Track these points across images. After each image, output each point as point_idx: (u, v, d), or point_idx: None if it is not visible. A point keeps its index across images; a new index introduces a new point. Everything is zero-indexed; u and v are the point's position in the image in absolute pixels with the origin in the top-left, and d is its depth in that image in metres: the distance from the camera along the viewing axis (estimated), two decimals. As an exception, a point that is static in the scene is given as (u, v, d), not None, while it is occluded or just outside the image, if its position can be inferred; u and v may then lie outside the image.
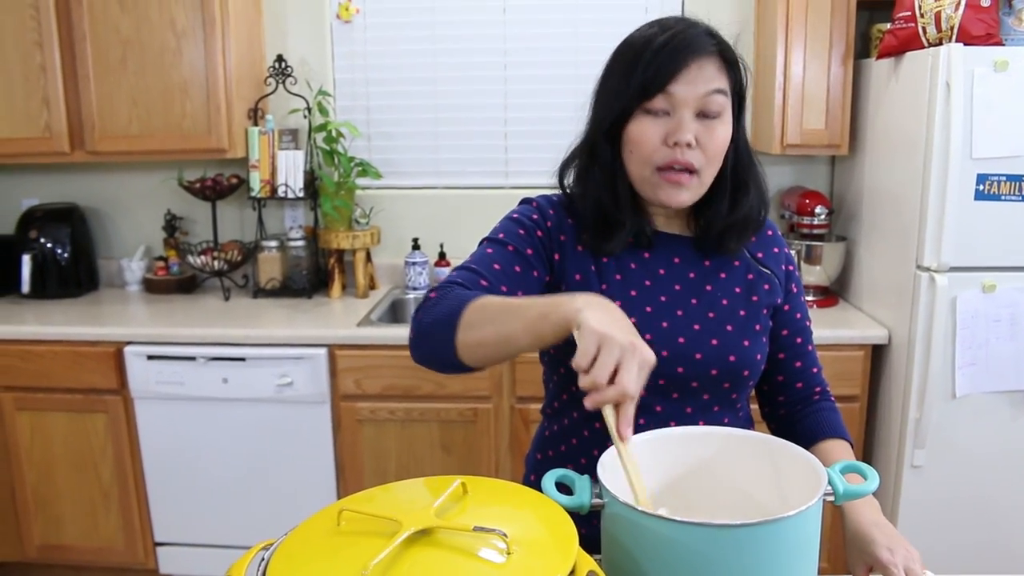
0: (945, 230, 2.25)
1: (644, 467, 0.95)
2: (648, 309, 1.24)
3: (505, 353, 1.06)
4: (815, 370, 1.35)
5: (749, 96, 1.27)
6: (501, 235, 1.26)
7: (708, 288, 1.27)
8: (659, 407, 1.24)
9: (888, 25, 2.46)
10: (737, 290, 1.28)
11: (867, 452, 2.64)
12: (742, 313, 1.27)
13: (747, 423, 1.36)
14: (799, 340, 1.34)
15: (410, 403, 2.59)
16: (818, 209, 2.80)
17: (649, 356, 0.91)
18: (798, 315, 1.35)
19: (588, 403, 0.91)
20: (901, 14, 2.37)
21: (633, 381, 0.89)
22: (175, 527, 2.77)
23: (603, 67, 1.24)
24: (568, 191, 1.31)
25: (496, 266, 1.21)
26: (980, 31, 2.22)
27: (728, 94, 1.18)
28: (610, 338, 0.89)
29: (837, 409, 1.35)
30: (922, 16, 2.30)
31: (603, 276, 1.25)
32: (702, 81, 1.14)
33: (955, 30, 2.24)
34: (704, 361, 1.23)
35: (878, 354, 2.55)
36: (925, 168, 2.27)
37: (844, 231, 2.91)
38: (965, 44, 2.19)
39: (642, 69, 1.14)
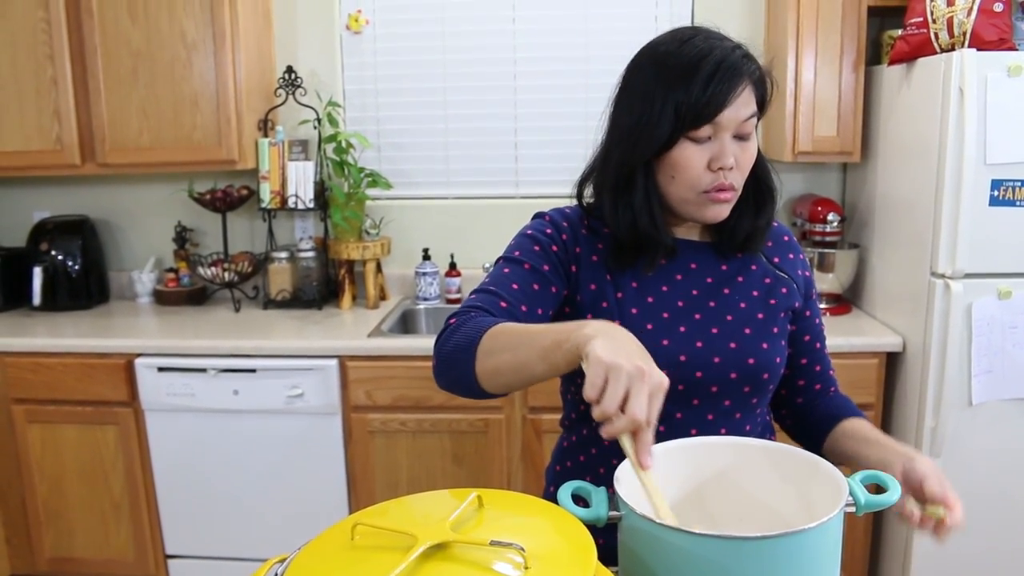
0: (960, 236, 2.23)
1: (661, 478, 0.94)
2: (665, 315, 1.23)
3: (523, 380, 1.06)
4: (831, 372, 1.40)
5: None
6: (517, 253, 1.26)
7: (726, 291, 1.27)
8: (679, 414, 1.23)
9: (899, 31, 2.45)
10: (755, 293, 1.28)
11: (882, 461, 2.61)
12: (760, 316, 1.26)
13: (767, 430, 1.35)
14: (818, 345, 1.37)
15: (421, 414, 2.58)
16: (830, 216, 2.79)
17: (661, 380, 0.90)
18: (817, 320, 1.37)
19: (603, 434, 0.90)
20: (913, 20, 2.36)
21: (643, 408, 0.87)
22: (186, 539, 2.76)
23: (629, 79, 1.22)
24: (586, 205, 1.30)
25: (514, 286, 1.21)
26: (993, 36, 2.20)
27: (757, 114, 1.19)
28: (617, 367, 0.88)
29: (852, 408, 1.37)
30: (934, 22, 2.29)
31: (619, 285, 1.24)
32: (743, 106, 1.15)
33: (968, 35, 2.23)
34: (722, 365, 1.22)
35: (893, 362, 2.53)
36: (939, 174, 2.26)
37: (857, 238, 2.89)
38: (978, 49, 2.17)
39: (694, 97, 1.13)
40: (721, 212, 1.20)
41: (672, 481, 1.03)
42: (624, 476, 0.94)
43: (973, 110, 2.16)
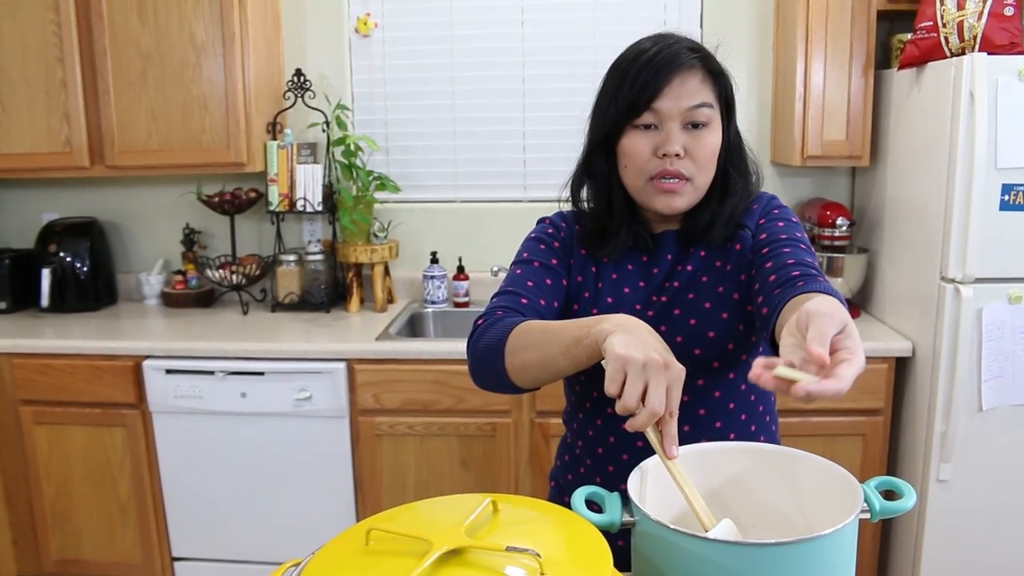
0: (970, 241, 2.22)
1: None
2: (637, 306, 1.30)
3: (550, 374, 1.11)
4: (791, 261, 1.18)
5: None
6: (525, 255, 1.35)
7: (689, 268, 1.30)
8: None
9: (909, 35, 2.45)
10: (717, 264, 1.30)
11: (892, 466, 2.61)
12: (720, 289, 1.29)
13: (766, 419, 1.36)
14: (765, 251, 1.23)
15: (429, 418, 2.58)
16: (839, 221, 2.78)
17: (678, 369, 0.94)
18: (763, 235, 1.26)
19: (628, 427, 0.93)
20: (923, 24, 2.35)
21: (661, 400, 0.91)
22: (193, 542, 2.75)
23: (600, 83, 1.32)
24: (577, 205, 1.39)
25: (529, 283, 1.29)
26: (1004, 40, 2.20)
27: (715, 105, 1.24)
28: (633, 360, 0.92)
29: (824, 284, 1.11)
30: (944, 26, 2.28)
31: (600, 276, 1.33)
32: (685, 95, 1.20)
33: (978, 39, 2.22)
34: (685, 343, 1.26)
35: (902, 367, 2.52)
36: (949, 178, 2.25)
37: (866, 243, 2.88)
38: (988, 53, 2.16)
39: (628, 87, 1.22)
40: (671, 202, 1.24)
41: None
42: (637, 481, 0.94)
43: (983, 114, 2.15)
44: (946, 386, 2.31)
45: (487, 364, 1.17)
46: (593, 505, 0.93)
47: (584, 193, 1.36)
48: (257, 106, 2.86)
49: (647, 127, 1.22)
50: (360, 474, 2.64)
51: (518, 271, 1.32)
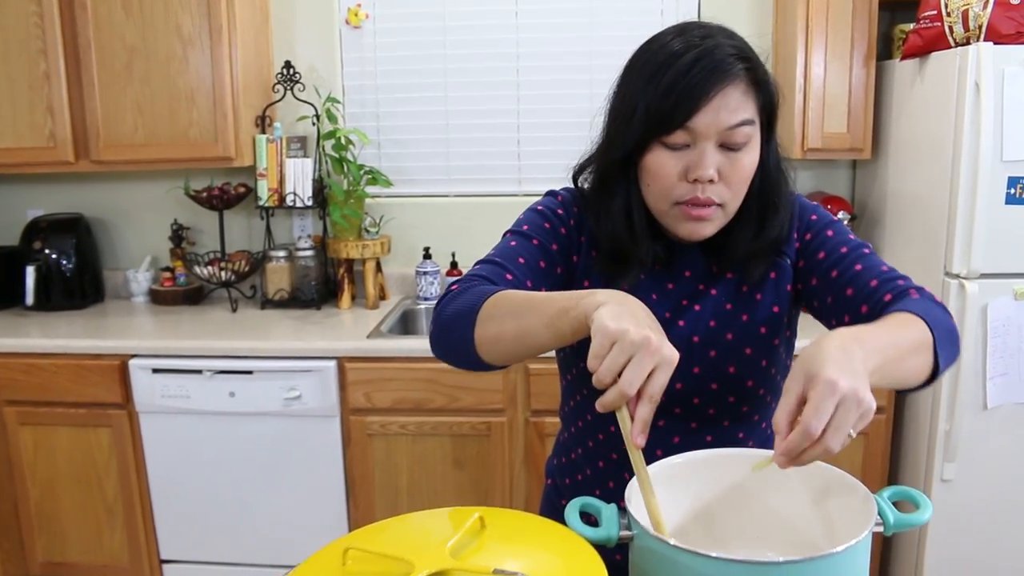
0: (975, 235, 2.17)
1: (675, 489, 0.88)
2: None
3: (524, 349, 0.99)
4: (874, 283, 1.10)
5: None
6: (526, 227, 1.19)
7: (713, 292, 1.18)
8: (661, 421, 1.17)
9: (912, 25, 2.39)
10: (743, 290, 1.18)
11: (895, 465, 2.56)
12: (744, 318, 1.17)
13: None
14: (835, 274, 1.13)
15: (421, 417, 2.52)
16: (840, 215, 2.73)
17: (669, 354, 0.83)
18: (821, 255, 1.16)
19: (597, 406, 0.84)
20: (926, 13, 2.29)
21: (636, 378, 0.81)
22: (181, 544, 2.70)
23: (619, 75, 1.13)
24: (583, 192, 1.22)
25: (521, 260, 1.14)
26: (1010, 29, 2.14)
27: (756, 121, 1.07)
28: (622, 334, 0.82)
29: (920, 298, 1.06)
30: (949, 15, 2.23)
31: (611, 285, 1.17)
32: (726, 112, 1.03)
33: (983, 29, 2.17)
34: (702, 375, 1.16)
35: (904, 364, 2.47)
36: (953, 172, 2.20)
37: (867, 237, 2.83)
38: (994, 43, 2.11)
39: (660, 99, 1.03)
40: (698, 230, 1.09)
41: (682, 497, 0.97)
42: (636, 492, 0.88)
43: (989, 105, 2.10)
44: (950, 384, 2.27)
45: (452, 331, 1.03)
46: (589, 517, 0.88)
47: (586, 183, 1.21)
48: (245, 99, 2.80)
49: (677, 147, 1.05)
50: (351, 475, 2.59)
51: (513, 243, 1.16)
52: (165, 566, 2.73)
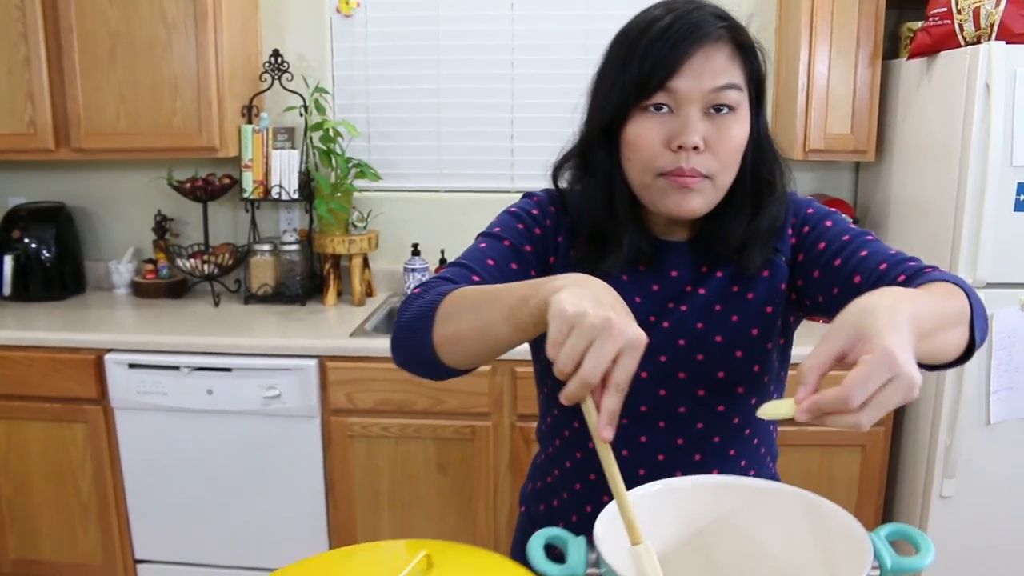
0: (982, 243, 2.09)
1: (660, 517, 0.80)
2: None
3: (485, 347, 0.91)
4: (883, 266, 1.01)
5: (769, 88, 1.09)
6: (497, 229, 1.12)
7: (701, 292, 1.09)
8: (644, 437, 1.09)
9: (920, 23, 2.31)
10: (734, 289, 1.09)
11: (893, 482, 2.48)
12: (734, 319, 1.08)
13: (768, 460, 1.19)
14: (838, 262, 1.05)
15: (404, 419, 2.44)
16: (842, 219, 2.65)
17: (635, 336, 0.74)
18: (821, 245, 1.08)
19: (561, 399, 0.76)
20: (936, 11, 2.21)
21: (598, 364, 0.73)
22: (156, 544, 2.63)
23: (600, 57, 1.08)
24: (561, 190, 1.15)
25: (490, 261, 1.07)
26: (1023, 28, 2.06)
27: (743, 87, 1.01)
28: (580, 317, 0.74)
29: (935, 275, 0.98)
30: (959, 13, 2.14)
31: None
32: (710, 74, 0.98)
33: (995, 27, 2.08)
34: (688, 381, 1.08)
35: (905, 375, 2.39)
36: (960, 176, 2.12)
37: (869, 242, 2.75)
38: (1007, 42, 2.03)
39: (639, 60, 0.98)
40: (685, 202, 1.00)
41: (669, 525, 0.89)
42: (606, 525, 0.80)
43: (1000, 107, 2.02)
44: (952, 398, 2.19)
45: (411, 335, 0.96)
46: (555, 551, 0.80)
47: (565, 179, 1.14)
48: (231, 88, 2.72)
49: (659, 108, 0.99)
50: (331, 477, 2.51)
51: (482, 244, 1.10)
52: (139, 566, 2.66)
